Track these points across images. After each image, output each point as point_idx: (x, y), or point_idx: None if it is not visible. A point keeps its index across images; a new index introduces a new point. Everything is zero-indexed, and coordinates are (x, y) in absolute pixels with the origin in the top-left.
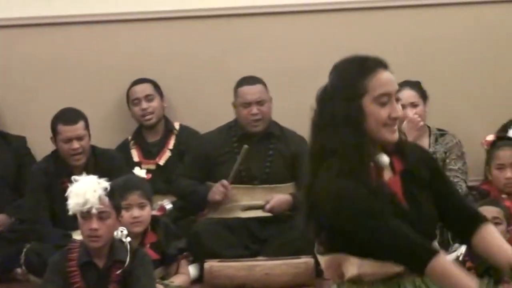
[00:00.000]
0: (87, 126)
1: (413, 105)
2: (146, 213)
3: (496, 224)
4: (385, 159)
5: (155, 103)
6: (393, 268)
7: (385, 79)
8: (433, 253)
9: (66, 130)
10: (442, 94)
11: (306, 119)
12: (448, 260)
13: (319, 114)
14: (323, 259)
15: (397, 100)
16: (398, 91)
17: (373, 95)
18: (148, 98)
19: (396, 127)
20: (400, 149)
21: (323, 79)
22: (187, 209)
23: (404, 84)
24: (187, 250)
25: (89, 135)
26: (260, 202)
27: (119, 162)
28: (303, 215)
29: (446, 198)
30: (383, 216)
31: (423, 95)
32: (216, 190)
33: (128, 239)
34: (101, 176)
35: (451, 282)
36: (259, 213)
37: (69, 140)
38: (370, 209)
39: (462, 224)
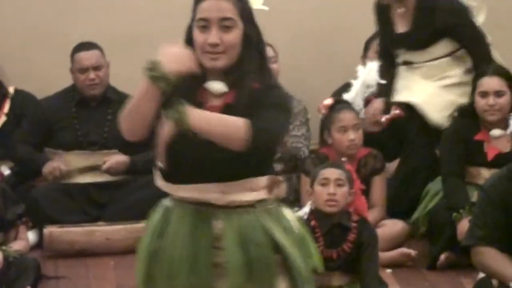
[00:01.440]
0: None
1: (270, 61)
2: None
3: (339, 185)
4: (215, 86)
5: None
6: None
7: (208, 5)
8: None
9: None
10: (289, 59)
11: None
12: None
13: None
14: None
15: None
16: None
17: (195, 19)
18: None
19: (218, 56)
20: (240, 84)
21: (160, 43)
22: (25, 175)
23: None
24: (26, 215)
25: None
26: (98, 163)
27: None
28: None
29: None
30: None
31: (276, 55)
32: (49, 168)
33: None
34: None
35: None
36: (98, 178)
37: None
38: None
39: None
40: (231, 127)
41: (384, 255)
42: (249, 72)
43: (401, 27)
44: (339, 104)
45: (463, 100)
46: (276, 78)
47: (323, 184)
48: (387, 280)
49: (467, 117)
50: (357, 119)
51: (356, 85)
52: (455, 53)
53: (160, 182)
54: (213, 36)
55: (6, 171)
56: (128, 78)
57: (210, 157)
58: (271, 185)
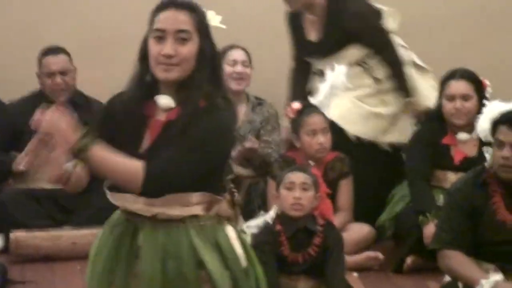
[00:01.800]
0: None
1: (244, 64)
2: None
3: (305, 190)
4: (162, 100)
5: None
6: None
7: (165, 16)
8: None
9: None
10: (262, 63)
11: (112, 88)
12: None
13: None
14: None
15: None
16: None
17: (151, 30)
18: None
19: (172, 67)
20: (186, 101)
21: (130, 48)
22: None
23: (233, 47)
24: None
25: None
26: None
27: None
28: None
29: None
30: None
31: (250, 59)
32: (21, 160)
33: None
34: None
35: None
36: None
37: None
38: None
39: None
40: (127, 175)
41: (350, 259)
42: (198, 89)
43: (312, 35)
44: (308, 107)
45: (381, 110)
46: (247, 84)
47: (288, 188)
48: (353, 284)
49: (434, 120)
50: (325, 122)
51: (324, 88)
52: (365, 62)
53: (105, 188)
54: (168, 47)
55: None
56: (97, 83)
57: None
58: (209, 202)
